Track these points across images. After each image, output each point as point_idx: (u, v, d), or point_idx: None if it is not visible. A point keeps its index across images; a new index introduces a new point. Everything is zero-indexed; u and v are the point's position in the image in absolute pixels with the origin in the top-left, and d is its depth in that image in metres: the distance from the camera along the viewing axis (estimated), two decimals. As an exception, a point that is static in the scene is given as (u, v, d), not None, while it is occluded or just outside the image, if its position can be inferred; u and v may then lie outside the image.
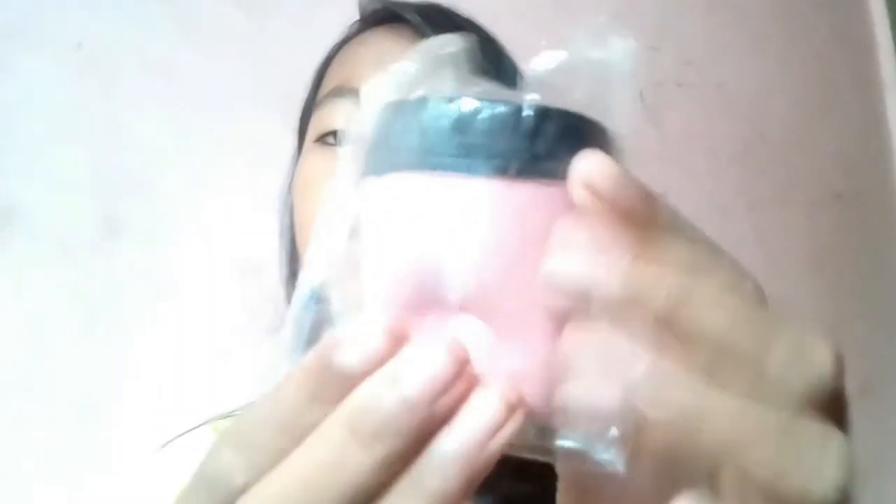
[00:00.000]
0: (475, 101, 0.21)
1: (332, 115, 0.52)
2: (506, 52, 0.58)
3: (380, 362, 0.20)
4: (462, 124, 0.21)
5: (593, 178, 0.20)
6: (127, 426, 0.77)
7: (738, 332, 0.19)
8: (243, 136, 0.88)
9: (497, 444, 0.19)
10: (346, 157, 0.24)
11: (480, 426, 0.19)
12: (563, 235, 0.20)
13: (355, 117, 0.23)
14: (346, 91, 0.52)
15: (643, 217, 0.20)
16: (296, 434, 0.20)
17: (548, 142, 0.21)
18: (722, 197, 1.22)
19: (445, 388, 0.19)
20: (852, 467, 0.18)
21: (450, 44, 0.23)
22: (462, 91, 0.22)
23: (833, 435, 0.19)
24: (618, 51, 0.22)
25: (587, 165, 0.20)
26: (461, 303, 0.21)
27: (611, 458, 0.19)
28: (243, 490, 0.20)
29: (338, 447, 0.19)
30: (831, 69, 1.41)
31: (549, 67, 0.22)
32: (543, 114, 0.21)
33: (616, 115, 0.22)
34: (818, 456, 0.18)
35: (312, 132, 0.54)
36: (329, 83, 0.55)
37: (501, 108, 0.21)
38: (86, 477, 0.75)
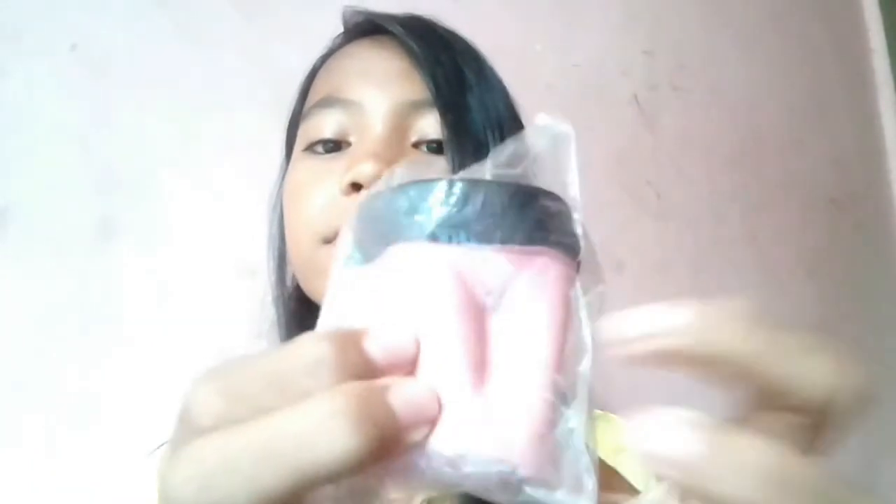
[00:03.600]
0: (429, 182, 0.24)
1: (320, 124, 0.53)
2: (487, 63, 0.59)
3: (400, 365, 0.21)
4: (420, 204, 0.23)
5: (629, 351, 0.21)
6: (123, 427, 0.77)
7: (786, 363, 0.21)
8: (240, 137, 0.88)
9: None
10: (342, 245, 0.27)
11: None
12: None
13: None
14: (333, 101, 0.53)
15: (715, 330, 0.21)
16: (286, 395, 0.20)
17: (493, 210, 0.23)
18: (716, 200, 1.23)
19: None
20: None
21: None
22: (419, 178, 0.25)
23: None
24: (559, 134, 0.25)
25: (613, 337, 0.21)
26: (436, 366, 0.22)
27: None
28: (206, 431, 0.20)
29: (325, 421, 0.19)
30: (826, 73, 1.42)
31: (502, 159, 0.25)
32: (485, 186, 0.23)
33: (564, 184, 0.25)
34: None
35: (301, 142, 0.55)
36: (316, 94, 0.57)
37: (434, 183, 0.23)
38: (83, 478, 0.75)
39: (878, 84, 1.48)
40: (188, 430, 0.21)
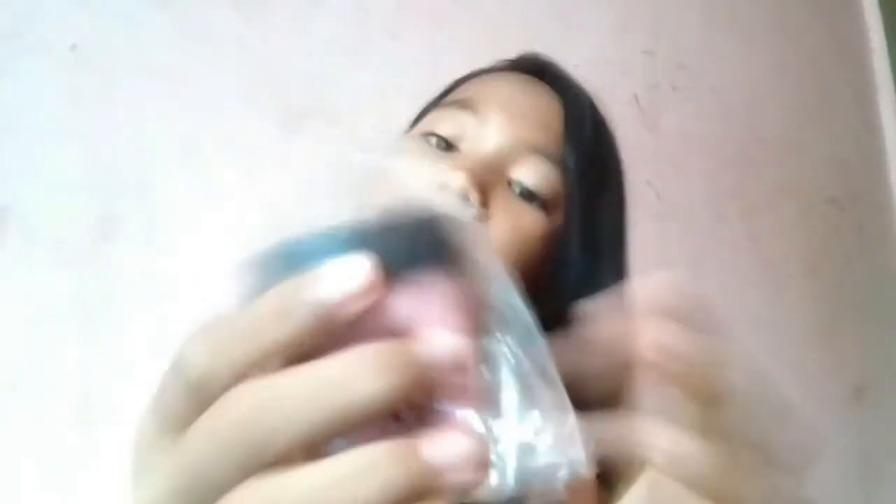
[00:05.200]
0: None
1: (443, 119, 0.57)
2: (623, 176, 0.62)
3: (360, 300, 0.22)
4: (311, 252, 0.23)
5: (664, 352, 0.25)
6: (123, 428, 0.77)
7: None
8: (239, 137, 0.88)
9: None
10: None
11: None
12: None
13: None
14: (465, 105, 0.57)
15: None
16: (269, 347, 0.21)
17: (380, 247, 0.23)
18: (716, 200, 1.22)
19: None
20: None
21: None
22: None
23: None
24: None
25: (653, 340, 0.25)
26: None
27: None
28: (198, 382, 0.22)
29: (358, 366, 0.20)
30: (826, 73, 1.42)
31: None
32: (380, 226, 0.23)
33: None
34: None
35: (422, 126, 0.58)
36: (457, 94, 0.60)
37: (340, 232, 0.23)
38: (83, 478, 0.75)
39: (878, 84, 1.48)
40: (182, 383, 0.23)
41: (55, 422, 0.76)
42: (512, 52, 0.62)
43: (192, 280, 0.84)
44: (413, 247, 0.24)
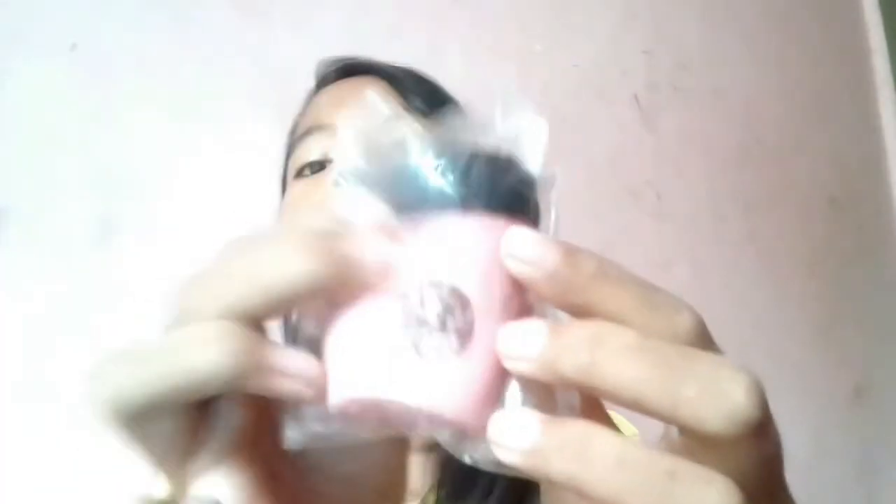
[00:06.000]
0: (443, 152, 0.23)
1: (304, 151, 0.59)
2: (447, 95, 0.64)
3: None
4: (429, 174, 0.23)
5: (517, 251, 0.21)
6: (122, 428, 0.77)
7: (647, 382, 0.20)
8: (239, 136, 0.88)
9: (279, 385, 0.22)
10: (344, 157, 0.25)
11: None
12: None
13: (343, 153, 0.25)
14: (313, 129, 0.59)
15: (569, 274, 0.21)
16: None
17: (476, 181, 0.23)
18: (717, 200, 1.23)
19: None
20: None
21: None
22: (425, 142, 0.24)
23: (714, 479, 0.19)
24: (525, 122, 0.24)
25: (510, 241, 0.22)
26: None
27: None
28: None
29: (283, 252, 0.22)
30: (826, 74, 1.42)
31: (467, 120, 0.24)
32: (479, 159, 0.23)
33: (531, 158, 0.24)
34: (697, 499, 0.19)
35: (291, 170, 0.61)
36: (298, 131, 0.62)
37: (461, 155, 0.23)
38: (83, 479, 0.75)
39: (878, 84, 1.48)
40: None
41: (55, 423, 0.76)
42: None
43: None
44: (487, 184, 0.23)
